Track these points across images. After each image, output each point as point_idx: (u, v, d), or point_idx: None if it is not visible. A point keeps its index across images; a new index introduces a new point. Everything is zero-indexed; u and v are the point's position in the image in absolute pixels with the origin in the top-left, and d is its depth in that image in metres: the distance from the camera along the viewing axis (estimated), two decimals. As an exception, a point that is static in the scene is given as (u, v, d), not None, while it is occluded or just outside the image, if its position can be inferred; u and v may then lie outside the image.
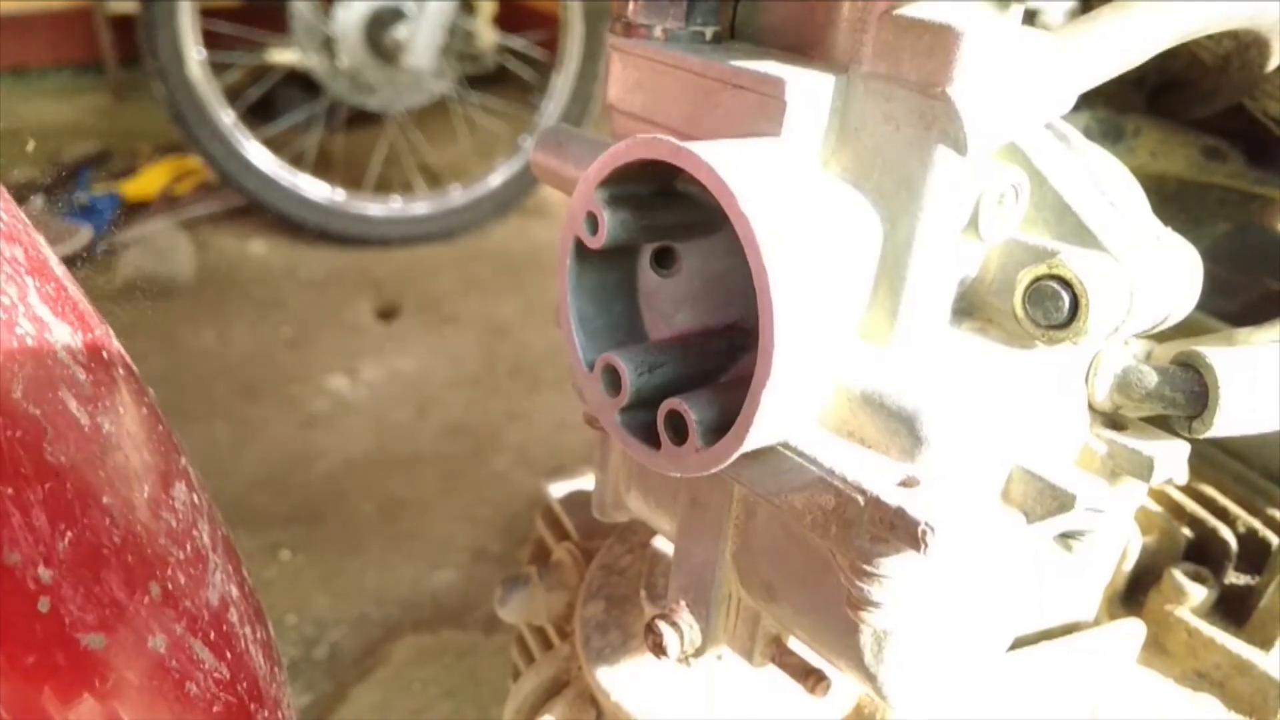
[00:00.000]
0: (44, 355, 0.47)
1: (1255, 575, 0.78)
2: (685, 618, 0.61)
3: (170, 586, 0.51)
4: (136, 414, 0.54)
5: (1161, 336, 0.59)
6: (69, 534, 0.45)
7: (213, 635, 0.54)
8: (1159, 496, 0.83)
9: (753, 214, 0.42)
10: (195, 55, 2.82)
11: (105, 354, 0.53)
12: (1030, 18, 0.79)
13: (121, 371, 0.55)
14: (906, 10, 0.46)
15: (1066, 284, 0.50)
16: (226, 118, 2.91)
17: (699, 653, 0.63)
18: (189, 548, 0.54)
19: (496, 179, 3.24)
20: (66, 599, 0.45)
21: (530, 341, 2.63)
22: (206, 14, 2.87)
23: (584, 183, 0.50)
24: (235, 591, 0.58)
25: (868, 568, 0.47)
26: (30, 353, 0.46)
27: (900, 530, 0.44)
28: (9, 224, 0.50)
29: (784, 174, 0.47)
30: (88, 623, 0.45)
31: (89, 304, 0.55)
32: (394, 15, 2.97)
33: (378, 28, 2.97)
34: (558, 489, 0.97)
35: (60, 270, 0.54)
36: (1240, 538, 0.80)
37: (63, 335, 0.49)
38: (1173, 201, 0.91)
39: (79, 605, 0.45)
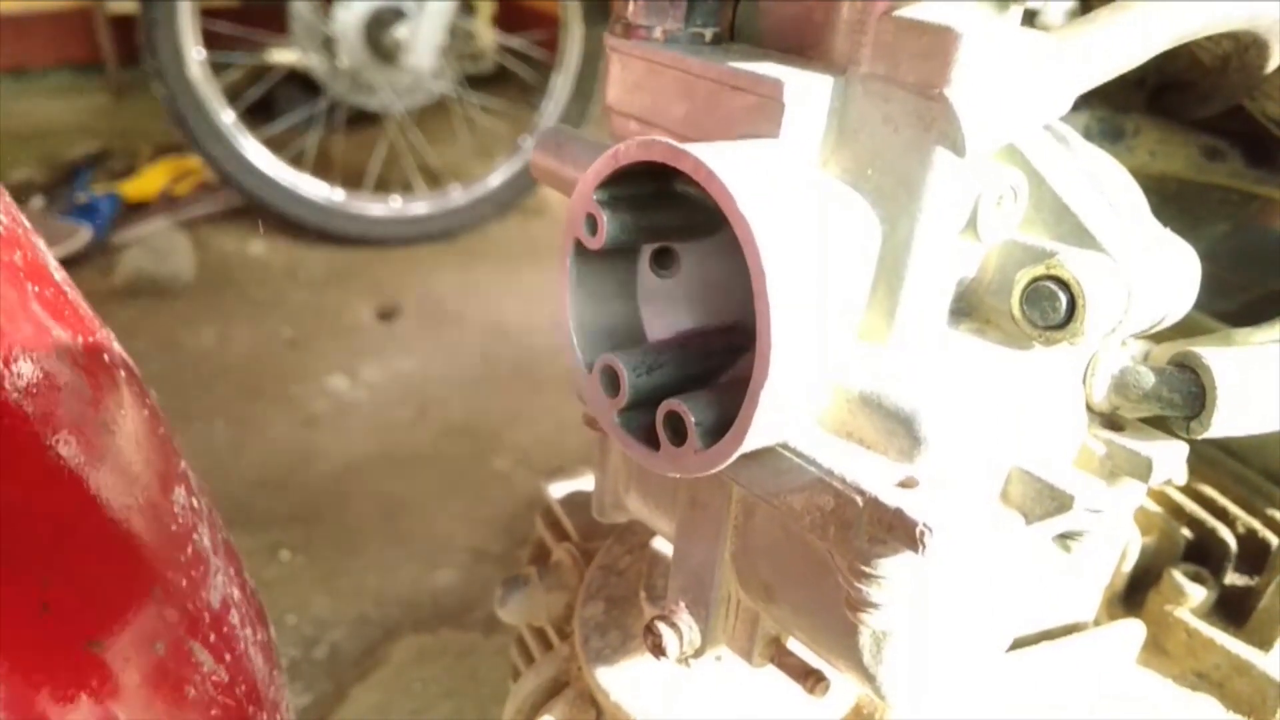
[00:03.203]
0: (43, 360, 0.47)
1: (1255, 576, 0.78)
2: (684, 618, 0.61)
3: (171, 589, 0.51)
4: (137, 418, 0.54)
5: (1159, 337, 0.59)
6: (69, 539, 0.45)
7: (213, 638, 0.54)
8: (1158, 497, 0.83)
9: (751, 215, 0.42)
10: (195, 55, 2.82)
11: (106, 358, 0.53)
12: (1030, 18, 0.79)
13: (122, 375, 0.55)
14: (905, 11, 0.46)
15: (1064, 285, 0.50)
16: (226, 118, 2.92)
17: (698, 653, 0.63)
18: (189, 551, 0.54)
19: (496, 179, 3.24)
20: (67, 603, 0.44)
21: (530, 341, 2.62)
22: (206, 14, 2.88)
23: (583, 184, 0.50)
24: (236, 594, 0.58)
25: (866, 569, 0.47)
26: (30, 358, 0.46)
27: (898, 531, 0.44)
28: (8, 228, 0.49)
29: (782, 175, 0.47)
30: (88, 627, 0.45)
31: (89, 308, 0.55)
32: (394, 15, 2.97)
33: (378, 28, 2.97)
34: (558, 489, 0.97)
35: (60, 275, 0.54)
36: (1240, 538, 0.80)
37: (62, 340, 0.49)
38: (1172, 201, 0.91)
39: (79, 609, 0.45)
